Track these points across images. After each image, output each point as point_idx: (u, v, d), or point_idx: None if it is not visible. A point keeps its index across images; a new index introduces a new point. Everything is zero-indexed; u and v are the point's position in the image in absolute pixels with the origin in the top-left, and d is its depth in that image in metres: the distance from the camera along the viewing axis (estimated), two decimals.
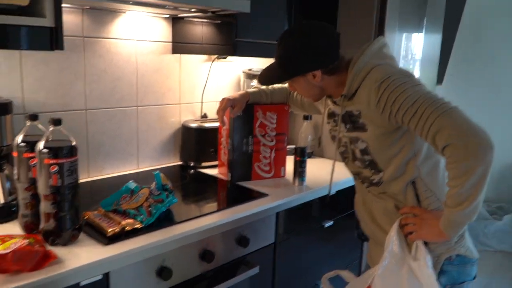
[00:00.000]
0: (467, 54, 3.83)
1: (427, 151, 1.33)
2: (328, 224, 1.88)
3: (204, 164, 1.98)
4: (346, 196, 1.70)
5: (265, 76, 1.43)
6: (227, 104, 1.67)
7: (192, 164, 1.99)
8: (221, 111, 1.68)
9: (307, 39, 1.30)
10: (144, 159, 1.97)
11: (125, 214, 1.34)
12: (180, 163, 2.06)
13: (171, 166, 2.02)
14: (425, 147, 1.33)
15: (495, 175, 3.84)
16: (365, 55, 1.32)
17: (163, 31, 1.93)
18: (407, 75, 1.26)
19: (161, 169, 1.96)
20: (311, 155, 2.27)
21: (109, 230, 1.23)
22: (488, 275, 3.20)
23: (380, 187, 1.40)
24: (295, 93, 1.81)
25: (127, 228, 1.26)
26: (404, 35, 2.21)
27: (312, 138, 2.24)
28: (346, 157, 1.47)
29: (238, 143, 1.77)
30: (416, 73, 2.40)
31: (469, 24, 3.73)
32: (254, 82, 2.14)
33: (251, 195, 1.64)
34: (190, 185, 1.77)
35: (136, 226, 1.28)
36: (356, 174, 1.48)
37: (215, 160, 1.98)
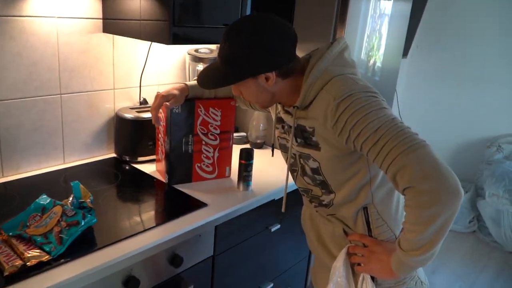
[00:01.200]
0: (434, 27, 3.67)
1: (383, 177, 1.19)
2: (275, 228, 1.74)
3: (140, 158, 1.78)
4: (295, 197, 1.56)
5: (207, 78, 1.21)
6: (161, 102, 1.45)
7: (127, 158, 1.78)
8: (154, 109, 1.46)
9: (260, 35, 1.08)
10: (72, 153, 1.74)
11: (30, 241, 1.15)
12: (114, 155, 1.84)
13: (104, 159, 1.80)
14: (381, 173, 1.19)
15: (453, 152, 3.82)
16: (324, 59, 1.14)
17: (91, 5, 1.65)
18: (371, 93, 1.08)
19: (92, 164, 1.75)
20: (262, 146, 2.10)
21: (6, 268, 1.03)
22: (439, 255, 3.22)
23: (329, 209, 1.26)
24: None
25: (30, 263, 1.06)
26: (372, 2, 2.01)
27: (264, 127, 2.06)
28: (294, 170, 1.31)
29: (176, 142, 1.57)
30: (382, 45, 2.23)
31: None
32: (201, 66, 1.91)
33: (188, 205, 1.46)
34: (122, 188, 1.57)
35: (42, 259, 1.09)
36: (304, 191, 1.33)
37: (153, 154, 1.78)
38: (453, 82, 3.68)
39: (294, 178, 1.34)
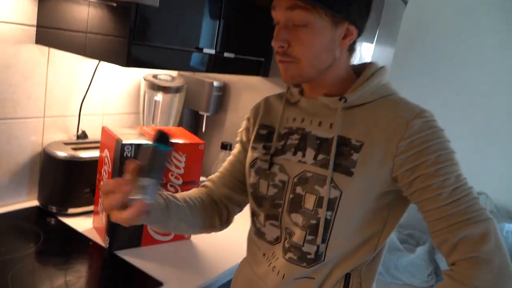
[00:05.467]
0: (397, 73, 3.55)
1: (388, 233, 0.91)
2: None
3: (72, 210, 1.36)
4: None
5: None
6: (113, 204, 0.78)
7: (54, 209, 1.36)
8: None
9: None
10: None
11: None
12: (37, 204, 1.41)
13: (22, 209, 1.36)
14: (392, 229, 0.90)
15: None
16: (382, 74, 0.90)
17: (23, 8, 1.26)
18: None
19: (5, 216, 1.31)
20: None
21: None
22: None
23: (310, 269, 0.89)
24: None
25: None
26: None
27: None
28: (278, 204, 0.92)
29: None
30: None
31: (400, 42, 3.44)
32: (159, 96, 1.55)
33: (137, 284, 1.08)
34: (43, 255, 1.14)
35: None
36: (277, 237, 0.95)
37: (90, 204, 1.38)
38: None
39: (267, 218, 0.95)
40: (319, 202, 0.85)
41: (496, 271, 0.74)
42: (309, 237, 0.87)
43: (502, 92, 3.25)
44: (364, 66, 0.91)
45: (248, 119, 1.06)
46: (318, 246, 0.87)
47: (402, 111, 0.82)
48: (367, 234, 0.88)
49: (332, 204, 0.85)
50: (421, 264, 3.33)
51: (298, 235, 0.89)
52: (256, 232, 0.99)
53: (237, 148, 1.08)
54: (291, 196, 0.89)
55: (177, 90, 1.58)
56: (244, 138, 1.06)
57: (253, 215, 1.01)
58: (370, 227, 0.87)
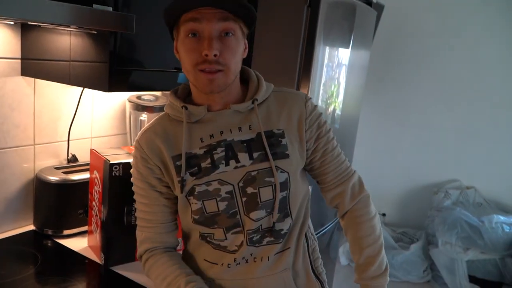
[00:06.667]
0: (375, 74, 3.63)
1: None
2: None
3: (67, 231, 1.41)
4: None
5: None
6: None
7: (49, 232, 1.41)
8: None
9: None
10: None
11: None
12: (33, 228, 1.46)
13: (19, 234, 1.41)
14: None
15: (400, 199, 3.74)
16: (262, 80, 1.07)
17: (6, 42, 1.33)
18: None
19: (2, 241, 1.36)
20: None
21: None
22: None
23: (282, 243, 1.02)
24: None
25: None
26: (328, 49, 1.83)
27: None
28: (235, 213, 0.97)
29: (115, 212, 1.24)
30: (341, 93, 2.06)
31: (381, 44, 3.54)
32: (145, 116, 1.62)
33: None
34: (42, 276, 1.19)
35: None
36: (240, 242, 1.00)
37: (84, 224, 1.43)
38: (396, 128, 3.63)
39: (227, 230, 0.99)
40: (276, 189, 0.97)
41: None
42: (279, 214, 0.99)
43: (485, 85, 3.32)
44: (242, 71, 1.03)
45: (146, 161, 1.00)
46: (286, 220, 1.01)
47: (295, 98, 1.03)
48: (306, 197, 1.07)
49: (286, 185, 0.99)
50: (416, 260, 3.40)
51: (265, 222, 0.98)
52: (216, 249, 1.02)
53: (146, 196, 1.03)
54: (244, 198, 0.96)
55: (161, 109, 1.65)
56: (154, 181, 1.01)
57: (204, 238, 1.02)
58: (305, 190, 1.06)
